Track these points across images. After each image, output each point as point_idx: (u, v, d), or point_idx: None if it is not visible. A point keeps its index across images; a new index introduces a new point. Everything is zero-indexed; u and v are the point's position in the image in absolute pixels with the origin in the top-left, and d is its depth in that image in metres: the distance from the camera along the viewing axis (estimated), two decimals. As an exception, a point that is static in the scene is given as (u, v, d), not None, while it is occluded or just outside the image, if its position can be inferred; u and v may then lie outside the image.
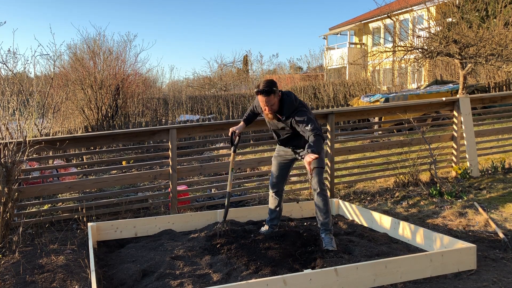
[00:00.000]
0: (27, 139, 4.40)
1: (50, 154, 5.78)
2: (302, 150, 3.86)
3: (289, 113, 3.69)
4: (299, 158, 3.96)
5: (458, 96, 8.12)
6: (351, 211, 4.72)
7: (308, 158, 3.28)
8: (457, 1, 10.98)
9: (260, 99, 3.68)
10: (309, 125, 3.55)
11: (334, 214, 4.85)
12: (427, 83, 15.91)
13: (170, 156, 5.00)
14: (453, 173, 6.07)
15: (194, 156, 7.92)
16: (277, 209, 4.10)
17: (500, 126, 6.91)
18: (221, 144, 8.95)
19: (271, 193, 4.10)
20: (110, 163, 7.74)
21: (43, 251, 3.81)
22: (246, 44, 72.93)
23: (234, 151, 4.11)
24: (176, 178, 5.04)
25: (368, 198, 5.42)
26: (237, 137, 4.11)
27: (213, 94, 20.04)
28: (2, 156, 4.06)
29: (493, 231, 4.02)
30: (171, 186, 5.02)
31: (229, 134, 4.07)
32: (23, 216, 4.55)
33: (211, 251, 3.63)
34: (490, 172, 6.07)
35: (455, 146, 6.16)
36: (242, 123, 4.17)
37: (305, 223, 4.41)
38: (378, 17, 22.27)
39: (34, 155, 5.10)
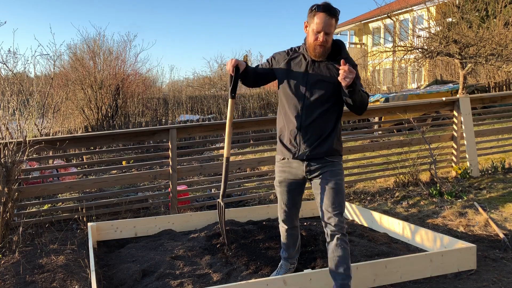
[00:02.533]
0: (27, 139, 4.41)
1: (50, 154, 5.78)
2: (318, 165, 2.70)
3: (348, 60, 2.58)
4: (311, 179, 2.75)
5: (458, 96, 8.13)
6: (351, 211, 4.72)
7: (347, 72, 2.39)
8: (457, 1, 10.98)
9: (320, 19, 2.54)
10: (362, 87, 2.67)
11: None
12: (427, 83, 15.91)
13: (170, 156, 5.00)
14: (453, 173, 6.07)
15: (194, 156, 7.92)
16: (297, 244, 3.12)
17: (500, 126, 6.91)
18: (221, 144, 8.96)
19: (285, 229, 3.02)
20: (110, 163, 7.74)
21: (43, 251, 3.81)
22: (246, 44, 72.88)
23: (233, 97, 2.79)
24: (176, 178, 5.04)
25: (368, 198, 5.42)
26: (237, 77, 2.74)
27: (213, 94, 20.03)
28: (2, 156, 4.06)
29: (493, 231, 4.02)
30: (171, 186, 5.02)
31: (231, 70, 2.71)
32: (23, 216, 4.55)
33: (211, 251, 3.63)
34: (490, 172, 6.07)
35: (455, 146, 6.16)
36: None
37: (305, 223, 4.41)
38: (378, 17, 22.27)
39: (34, 155, 5.10)
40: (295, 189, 2.85)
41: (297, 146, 2.71)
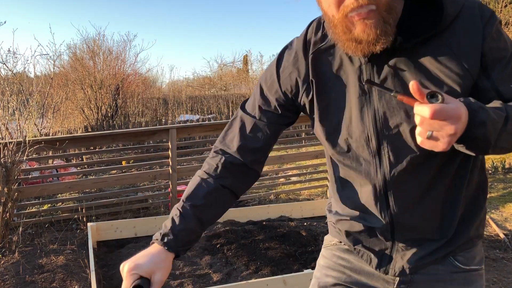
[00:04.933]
0: (27, 139, 4.40)
1: (50, 154, 5.78)
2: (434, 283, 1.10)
3: (468, 27, 0.92)
4: None
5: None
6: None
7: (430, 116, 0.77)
8: (457, 1, 10.99)
9: None
10: None
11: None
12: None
13: (170, 156, 5.00)
14: (453, 173, 6.08)
15: (194, 156, 7.92)
16: None
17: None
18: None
19: None
20: (110, 163, 7.73)
21: (43, 251, 3.81)
22: (246, 44, 72.85)
23: None
24: (176, 178, 5.03)
25: (368, 198, 5.42)
26: None
27: (213, 94, 20.04)
28: (1, 156, 4.05)
29: (493, 231, 4.02)
30: (171, 186, 5.02)
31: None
32: (23, 216, 4.54)
33: (211, 251, 3.62)
34: (490, 172, 6.07)
35: (455, 146, 6.16)
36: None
37: (305, 223, 4.40)
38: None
39: (34, 155, 5.09)
40: None
41: (388, 243, 1.12)
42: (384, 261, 1.13)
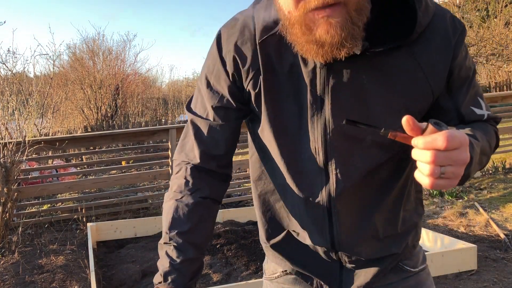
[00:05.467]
0: (27, 139, 4.40)
1: (50, 154, 5.77)
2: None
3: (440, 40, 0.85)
4: None
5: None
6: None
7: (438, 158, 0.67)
8: (457, 1, 10.99)
9: None
10: (483, 102, 0.94)
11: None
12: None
13: (170, 156, 4.99)
14: (454, 173, 6.07)
15: (194, 156, 7.91)
16: None
17: (500, 126, 6.88)
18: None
19: None
20: (109, 163, 7.73)
21: (43, 251, 3.80)
22: (246, 44, 72.57)
23: None
24: (176, 178, 5.04)
25: (368, 198, 5.42)
26: None
27: (213, 94, 20.01)
28: (1, 156, 4.05)
29: (493, 231, 4.02)
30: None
31: None
32: (23, 216, 4.54)
33: (211, 251, 3.62)
34: (490, 172, 6.06)
35: (455, 146, 6.15)
36: None
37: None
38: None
39: (34, 155, 5.09)
40: None
41: (335, 266, 1.05)
42: (334, 286, 1.05)
